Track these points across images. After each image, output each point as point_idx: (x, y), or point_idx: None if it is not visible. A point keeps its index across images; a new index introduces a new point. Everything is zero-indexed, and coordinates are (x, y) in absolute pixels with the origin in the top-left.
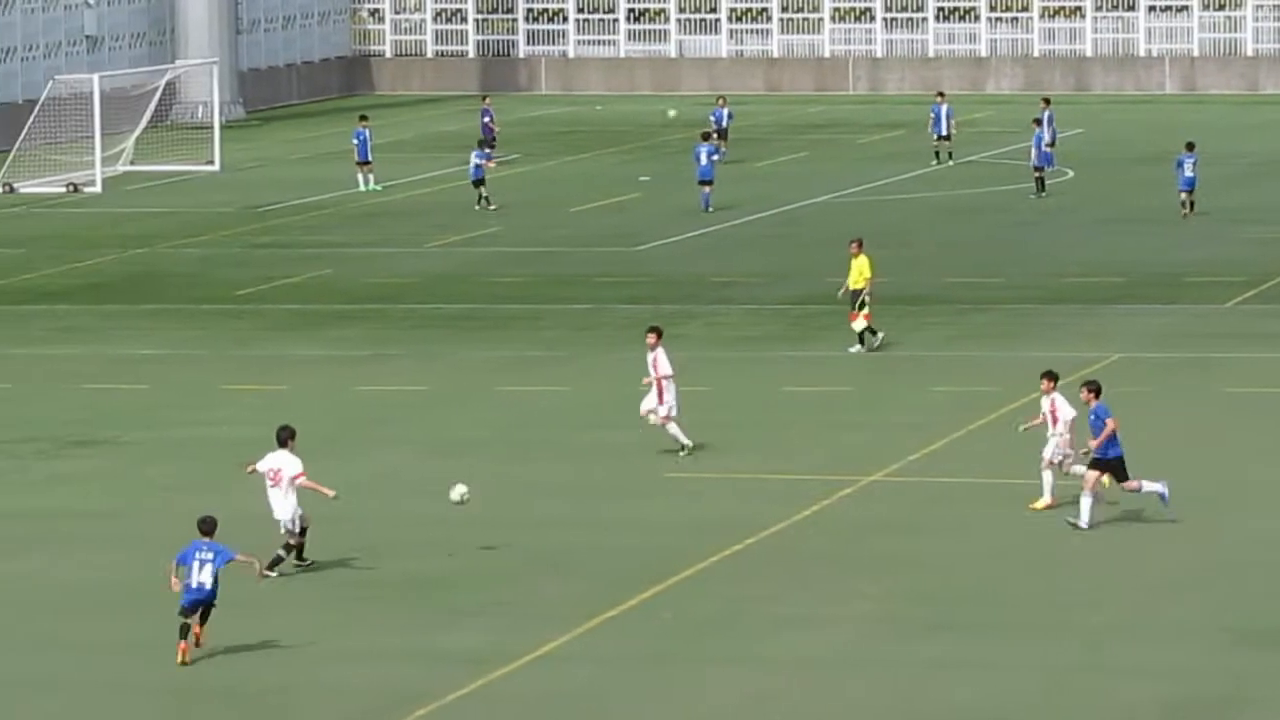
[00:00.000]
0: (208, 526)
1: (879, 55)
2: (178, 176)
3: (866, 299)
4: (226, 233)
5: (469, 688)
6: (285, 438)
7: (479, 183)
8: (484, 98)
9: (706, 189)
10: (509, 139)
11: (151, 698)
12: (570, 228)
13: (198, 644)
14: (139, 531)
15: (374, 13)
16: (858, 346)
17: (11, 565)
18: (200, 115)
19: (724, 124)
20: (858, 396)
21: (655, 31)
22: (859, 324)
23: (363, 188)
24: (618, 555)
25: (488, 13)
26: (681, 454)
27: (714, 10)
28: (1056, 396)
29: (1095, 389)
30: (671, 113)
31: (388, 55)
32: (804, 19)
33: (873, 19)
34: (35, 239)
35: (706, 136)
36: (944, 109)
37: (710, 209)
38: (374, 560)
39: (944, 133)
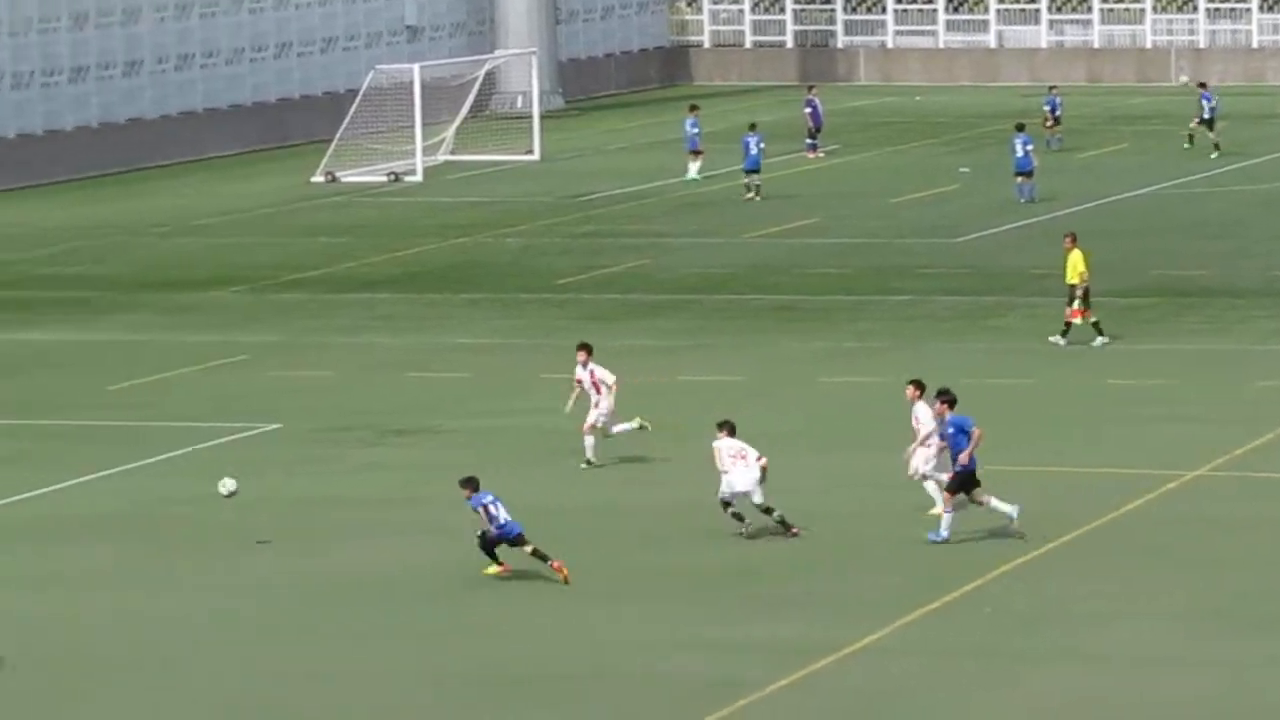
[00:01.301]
0: (475, 484)
1: (1202, 46)
2: (497, 166)
3: (1080, 294)
4: (546, 222)
5: (790, 678)
6: (733, 426)
7: (754, 171)
8: (809, 88)
9: (1021, 180)
10: (827, 129)
11: (463, 685)
12: (889, 219)
13: (564, 574)
14: (451, 520)
15: (692, 3)
16: (1058, 338)
17: (326, 553)
18: (519, 105)
19: (1058, 111)
20: (1181, 390)
21: (975, 22)
22: (1078, 319)
23: (691, 176)
24: (937, 548)
25: (806, 3)
26: (583, 465)
27: (1034, 0)
28: (919, 406)
29: (949, 399)
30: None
31: (706, 45)
32: (1125, 9)
33: (1195, 9)
34: (357, 228)
35: (1021, 128)
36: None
37: (1032, 200)
38: (696, 550)
39: None
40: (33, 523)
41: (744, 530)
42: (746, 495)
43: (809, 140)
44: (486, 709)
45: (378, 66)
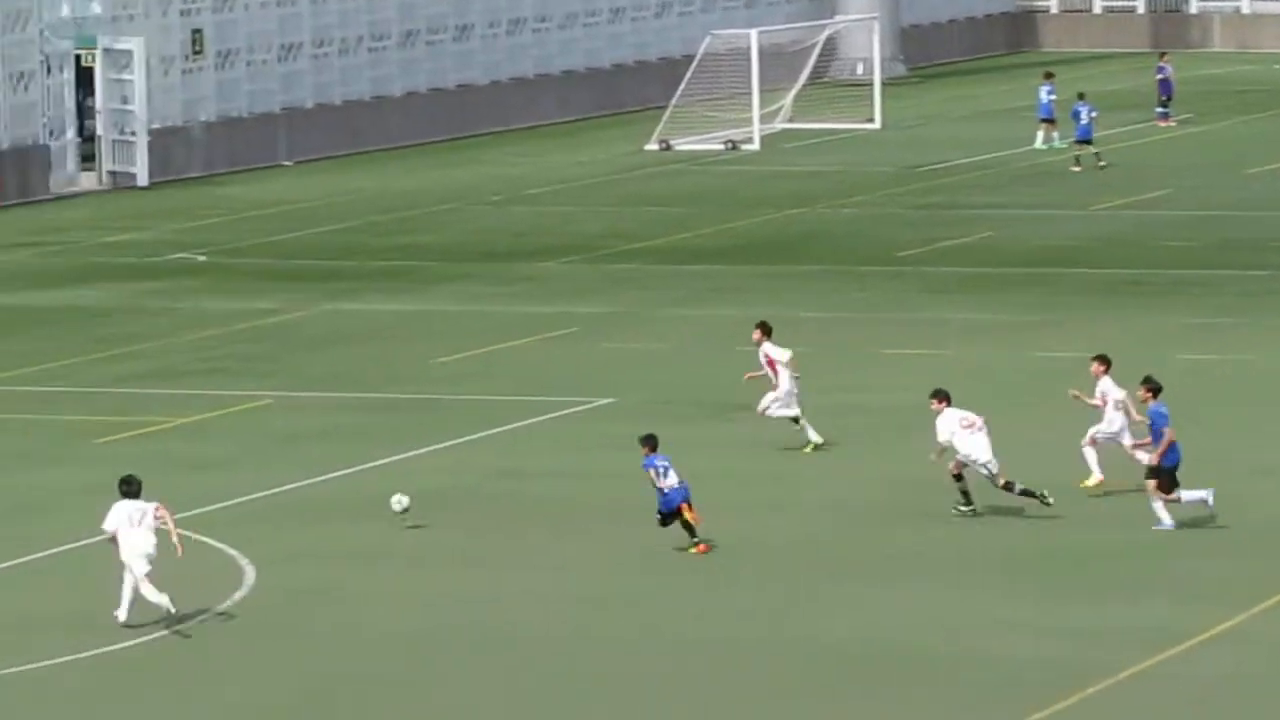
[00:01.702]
0: (652, 443)
1: None
2: (837, 134)
3: None
4: (887, 192)
5: (1141, 665)
6: (946, 394)
7: (1086, 142)
8: (1161, 55)
9: None
10: (1179, 98)
11: (812, 663)
12: (1243, 191)
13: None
14: (786, 497)
15: None
16: None
17: (660, 528)
18: (860, 72)
19: None
20: None
21: None
22: None
23: (1040, 145)
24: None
25: None
26: (808, 446)
27: None
28: (1104, 381)
29: (1153, 388)
30: None
31: (1053, 10)
32: None
33: None
34: (691, 197)
35: None
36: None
37: None
38: (1045, 530)
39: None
40: (362, 498)
41: (968, 510)
42: (983, 465)
43: (1160, 109)
44: (834, 688)
45: (714, 32)
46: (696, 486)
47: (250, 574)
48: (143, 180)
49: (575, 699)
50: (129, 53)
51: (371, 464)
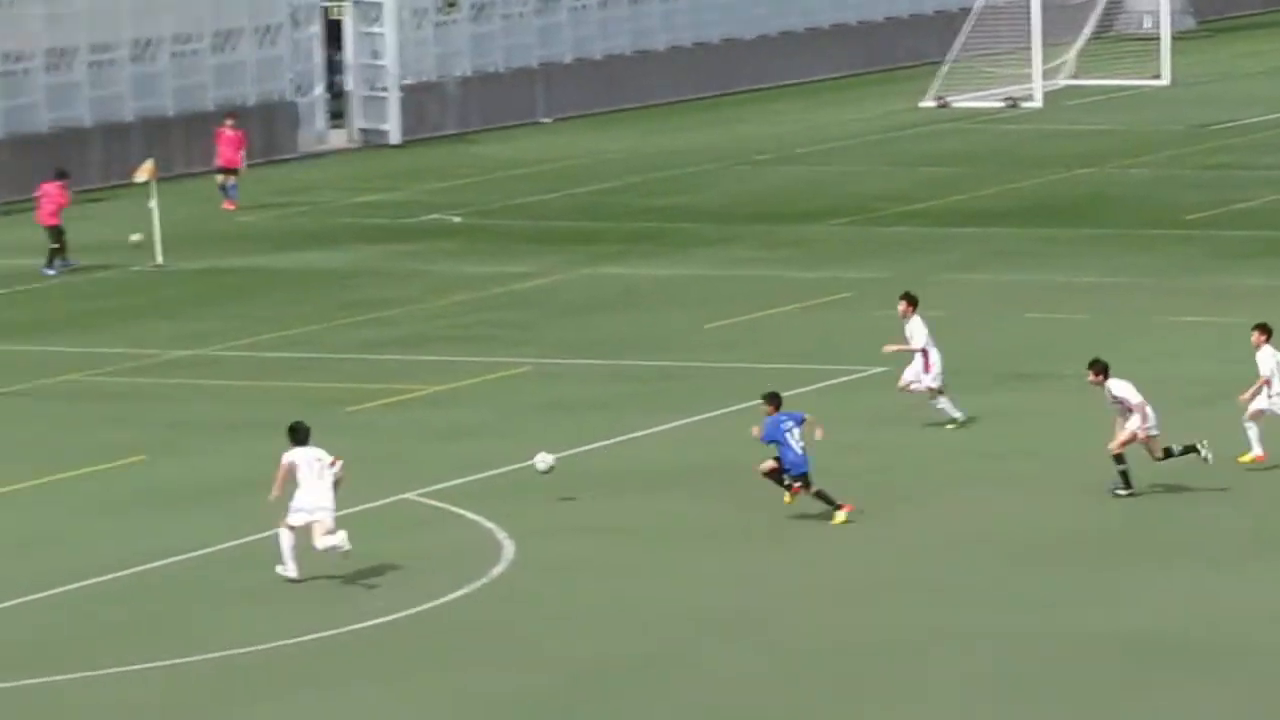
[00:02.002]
0: (776, 400)
1: None
2: (1123, 91)
3: None
4: (1175, 152)
5: None
6: (1105, 366)
7: None
8: None
9: None
10: None
11: (1093, 652)
12: None
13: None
14: (1072, 477)
15: None
16: None
17: (939, 508)
18: (1147, 26)
19: None
20: None
21: None
22: None
23: None
24: None
25: None
26: (950, 428)
27: None
28: (1264, 351)
29: None
30: None
31: None
32: None
33: None
34: (968, 156)
35: None
36: None
37: None
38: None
39: None
40: (623, 470)
41: (1128, 493)
42: (1154, 426)
43: None
44: (1122, 679)
45: None
46: (966, 462)
47: (509, 548)
48: (395, 138)
49: (895, 691)
50: (379, 5)
51: (632, 434)
